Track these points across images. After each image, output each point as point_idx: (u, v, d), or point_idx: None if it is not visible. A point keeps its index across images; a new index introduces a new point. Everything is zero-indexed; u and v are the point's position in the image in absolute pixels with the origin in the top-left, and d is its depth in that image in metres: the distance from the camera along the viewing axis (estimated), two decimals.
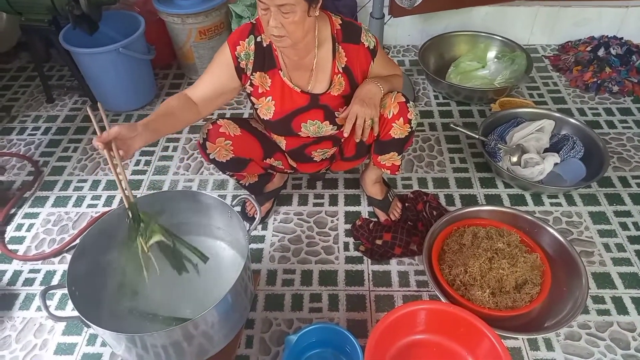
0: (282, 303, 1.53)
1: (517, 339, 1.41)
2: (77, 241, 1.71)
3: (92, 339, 1.46)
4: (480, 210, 1.68)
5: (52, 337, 1.47)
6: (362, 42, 1.39)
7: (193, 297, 1.37)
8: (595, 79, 2.34)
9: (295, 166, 1.66)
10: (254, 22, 1.35)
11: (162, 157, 2.08)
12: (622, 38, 2.54)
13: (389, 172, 1.57)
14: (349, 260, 1.65)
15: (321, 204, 1.84)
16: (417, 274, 1.60)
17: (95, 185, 1.96)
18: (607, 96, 2.32)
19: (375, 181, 1.73)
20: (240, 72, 1.37)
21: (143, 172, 2.01)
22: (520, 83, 2.29)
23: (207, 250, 1.36)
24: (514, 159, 1.85)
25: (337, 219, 1.78)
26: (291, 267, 1.63)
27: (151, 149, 2.12)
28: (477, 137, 1.92)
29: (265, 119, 1.45)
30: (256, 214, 1.39)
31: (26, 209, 1.87)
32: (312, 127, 1.46)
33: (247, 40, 1.34)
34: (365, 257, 1.65)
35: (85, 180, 1.98)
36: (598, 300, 1.51)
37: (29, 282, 1.62)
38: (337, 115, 1.44)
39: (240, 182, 1.65)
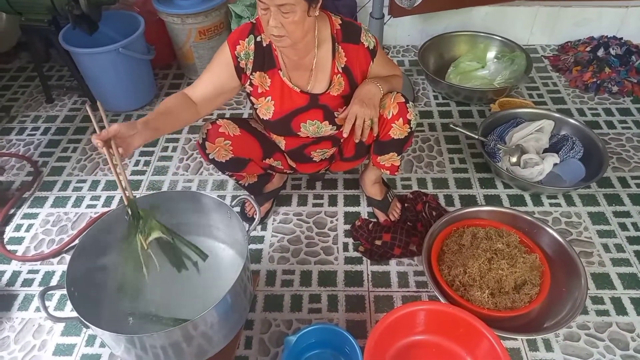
0: (282, 304, 1.53)
1: (516, 339, 1.41)
2: (76, 242, 1.71)
3: (91, 340, 1.46)
4: (480, 210, 1.68)
5: (51, 338, 1.47)
6: (362, 42, 1.39)
7: (192, 297, 1.37)
8: (594, 79, 2.34)
9: (294, 166, 1.66)
10: (254, 21, 1.35)
11: (161, 158, 2.08)
12: (621, 38, 2.54)
13: (388, 172, 1.57)
14: (349, 260, 1.65)
15: (320, 205, 1.84)
16: (417, 275, 1.60)
17: (94, 185, 1.96)
18: (607, 96, 2.32)
19: (374, 181, 1.73)
20: (239, 71, 1.37)
21: (142, 173, 2.01)
22: (520, 83, 2.29)
23: (206, 250, 1.37)
24: (514, 159, 1.85)
25: (337, 220, 1.78)
26: (290, 268, 1.63)
27: (150, 149, 2.12)
28: (476, 137, 1.92)
29: (264, 118, 1.45)
30: (255, 214, 1.39)
31: (25, 209, 1.87)
32: (312, 127, 1.46)
33: (246, 39, 1.34)
34: (364, 258, 1.65)
35: (84, 181, 1.98)
36: (597, 300, 1.51)
37: (27, 282, 1.62)
38: (336, 115, 1.44)
39: (240, 182, 1.65)
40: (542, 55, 2.62)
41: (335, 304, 1.52)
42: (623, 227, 1.72)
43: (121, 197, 1.88)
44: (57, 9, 2.05)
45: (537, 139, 1.91)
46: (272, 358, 1.40)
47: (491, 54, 2.44)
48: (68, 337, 1.47)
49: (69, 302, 1.41)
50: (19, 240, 1.75)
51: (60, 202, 1.89)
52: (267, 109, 1.43)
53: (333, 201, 1.85)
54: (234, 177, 1.61)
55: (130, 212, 1.19)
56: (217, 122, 1.44)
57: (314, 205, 1.84)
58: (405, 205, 1.79)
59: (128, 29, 2.17)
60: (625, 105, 2.27)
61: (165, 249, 1.27)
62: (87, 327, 1.10)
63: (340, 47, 1.37)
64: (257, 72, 1.38)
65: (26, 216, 1.84)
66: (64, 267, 1.65)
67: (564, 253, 1.53)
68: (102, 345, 1.44)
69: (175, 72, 2.62)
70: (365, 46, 1.39)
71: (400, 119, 1.42)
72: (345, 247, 1.69)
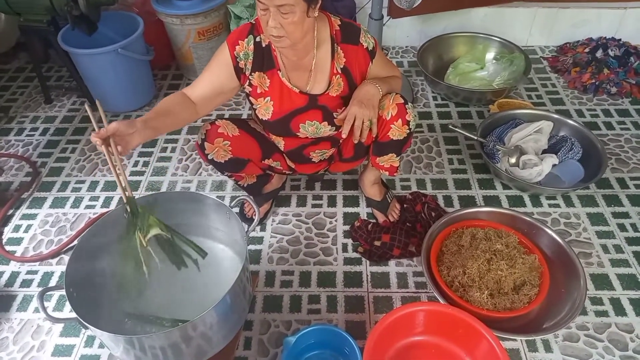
0: (281, 304, 1.53)
1: (515, 340, 1.41)
2: (75, 242, 1.70)
3: (90, 341, 1.46)
4: (479, 211, 1.68)
5: (50, 339, 1.47)
6: (361, 43, 1.39)
7: (191, 298, 1.37)
8: (593, 81, 2.34)
9: (293, 167, 1.66)
10: (254, 22, 1.35)
11: (160, 158, 2.08)
12: (620, 39, 2.55)
13: (387, 173, 1.57)
14: (348, 261, 1.65)
15: (320, 205, 1.84)
16: (416, 275, 1.60)
17: (93, 186, 1.96)
18: (605, 97, 2.33)
19: (373, 182, 1.73)
20: (239, 72, 1.37)
21: (141, 173, 2.01)
22: (519, 84, 2.29)
23: (205, 251, 1.36)
24: (513, 160, 1.85)
25: (336, 220, 1.78)
26: (290, 269, 1.63)
27: (149, 149, 2.12)
28: (475, 138, 1.92)
29: (263, 119, 1.45)
30: (255, 215, 1.39)
31: (24, 210, 1.87)
32: (311, 127, 1.46)
33: (246, 40, 1.34)
34: (363, 259, 1.65)
35: (83, 182, 1.98)
36: (596, 301, 1.51)
37: (26, 283, 1.62)
38: (335, 116, 1.44)
39: (239, 183, 1.65)
40: (540, 57, 2.62)
41: (335, 305, 1.52)
42: (622, 227, 1.72)
43: (120, 197, 1.88)
44: (56, 9, 2.05)
45: (536, 140, 1.91)
46: (272, 359, 1.39)
47: (490, 55, 2.45)
48: (67, 338, 1.47)
49: (67, 303, 1.40)
50: (17, 241, 1.75)
51: (59, 203, 1.89)
52: (266, 110, 1.43)
53: (332, 202, 1.85)
54: (233, 178, 1.61)
55: (129, 210, 1.19)
56: (216, 122, 1.44)
57: (313, 206, 1.84)
58: (405, 206, 1.80)
59: (127, 30, 2.17)
60: (623, 106, 2.27)
61: (165, 247, 1.27)
62: (86, 327, 1.10)
63: (339, 47, 1.37)
64: (256, 73, 1.38)
65: (25, 217, 1.84)
66: (63, 268, 1.63)
67: (563, 254, 1.54)
68: (101, 346, 1.44)
69: (174, 72, 2.62)
70: (365, 47, 1.39)
71: (399, 120, 1.42)
72: (345, 248, 1.69)
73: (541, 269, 1.49)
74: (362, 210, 1.82)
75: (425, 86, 2.44)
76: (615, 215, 1.77)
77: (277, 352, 1.41)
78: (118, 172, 1.13)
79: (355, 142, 1.43)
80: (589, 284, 1.54)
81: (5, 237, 1.77)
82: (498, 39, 2.46)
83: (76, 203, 1.89)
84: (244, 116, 2.29)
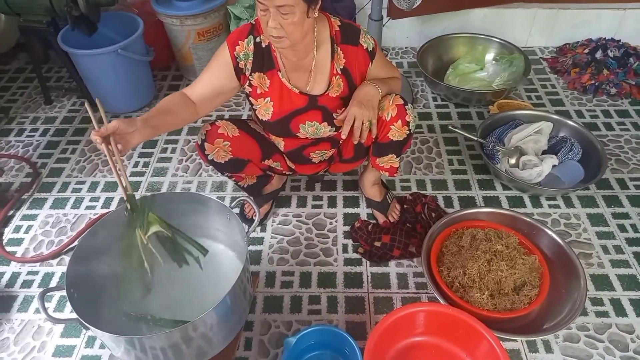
0: (281, 305, 1.53)
1: (515, 340, 1.41)
2: (76, 243, 1.70)
3: (90, 341, 1.46)
4: (479, 212, 1.68)
5: (51, 340, 1.47)
6: (361, 44, 1.39)
7: (192, 299, 1.36)
8: (593, 81, 2.34)
9: (293, 168, 1.66)
10: (254, 22, 1.36)
11: (160, 159, 2.08)
12: (619, 40, 2.55)
13: (387, 174, 1.58)
14: (348, 262, 1.65)
15: (320, 206, 1.84)
16: (416, 276, 1.60)
17: (93, 186, 1.96)
18: (605, 98, 2.33)
19: (373, 183, 1.73)
20: (239, 72, 1.37)
21: (142, 174, 2.01)
22: (519, 85, 2.29)
23: None
24: (512, 160, 1.85)
25: (336, 221, 1.78)
26: (290, 269, 1.63)
27: (150, 150, 2.12)
28: (475, 139, 1.93)
29: (263, 119, 1.45)
30: (255, 215, 1.39)
31: (24, 210, 1.87)
32: (311, 128, 1.46)
33: (246, 40, 1.34)
34: (364, 259, 1.65)
35: (83, 182, 1.98)
36: (596, 302, 1.51)
37: (27, 284, 1.62)
38: (335, 116, 1.45)
39: (239, 183, 1.65)
40: (540, 57, 2.63)
41: (335, 305, 1.52)
42: (622, 228, 1.72)
43: (120, 198, 1.88)
44: (56, 10, 2.05)
45: (536, 141, 1.91)
46: (272, 359, 1.39)
47: (490, 56, 2.45)
48: (68, 339, 1.47)
49: (68, 304, 1.41)
50: (18, 242, 1.75)
51: (59, 204, 1.89)
52: (266, 110, 1.43)
53: (332, 202, 1.85)
54: (233, 179, 1.61)
55: (129, 207, 1.19)
56: (216, 123, 1.44)
57: (314, 206, 1.84)
58: (405, 206, 1.80)
59: (127, 30, 2.17)
60: (623, 107, 2.27)
61: (166, 244, 1.27)
62: (87, 328, 1.10)
63: (339, 48, 1.38)
64: (256, 73, 1.38)
65: (25, 217, 1.84)
66: (64, 269, 1.65)
67: (563, 254, 1.54)
68: (102, 346, 1.44)
69: (174, 73, 2.62)
70: (364, 48, 1.39)
71: (399, 121, 1.42)
72: (345, 249, 1.69)
73: (541, 269, 1.49)
74: (363, 211, 1.82)
75: (425, 87, 2.44)
76: (616, 215, 1.77)
77: (278, 352, 1.41)
78: (119, 171, 1.13)
79: (355, 142, 1.43)
80: (589, 285, 1.54)
81: (5, 238, 1.77)
82: (498, 40, 2.46)
83: (76, 204, 1.89)
84: (244, 117, 2.29)
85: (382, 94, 1.41)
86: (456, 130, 1.95)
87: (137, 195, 1.84)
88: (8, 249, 1.72)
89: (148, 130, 1.18)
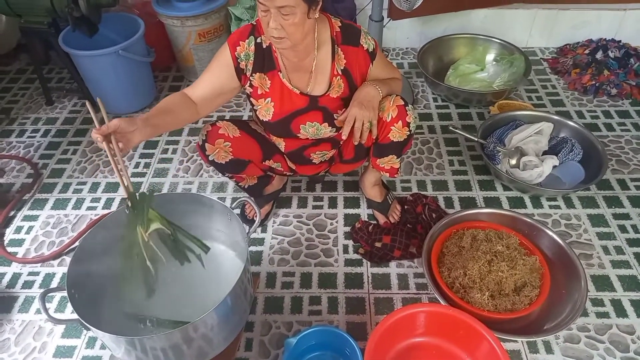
0: (282, 306, 1.53)
1: (516, 341, 1.41)
2: (77, 243, 1.71)
3: (91, 342, 1.46)
4: (479, 212, 1.68)
5: (52, 340, 1.47)
6: (362, 45, 1.39)
7: (192, 299, 1.36)
8: (593, 82, 2.34)
9: (294, 168, 1.67)
10: (254, 23, 1.36)
11: (161, 160, 2.08)
12: (620, 41, 2.55)
13: (387, 175, 1.58)
14: (349, 262, 1.65)
15: (320, 207, 1.84)
16: (417, 277, 1.60)
17: (94, 187, 1.96)
18: (606, 99, 2.33)
19: (374, 184, 1.73)
20: (239, 72, 1.37)
21: (142, 175, 2.01)
22: (519, 86, 2.29)
23: None
24: (513, 161, 1.85)
25: (337, 222, 1.78)
26: (290, 270, 1.63)
27: (150, 151, 2.12)
28: (476, 139, 1.93)
29: (264, 120, 1.45)
30: (255, 216, 1.39)
31: (25, 211, 1.87)
32: (311, 128, 1.46)
33: (247, 41, 1.35)
34: (364, 260, 1.65)
35: (84, 183, 1.98)
36: (597, 302, 1.51)
37: (28, 284, 1.62)
38: (336, 117, 1.45)
39: (240, 184, 1.65)
40: (540, 58, 2.63)
41: (336, 306, 1.52)
42: (622, 229, 1.72)
43: (122, 198, 1.88)
44: (57, 11, 2.05)
45: (537, 141, 1.91)
46: None
47: (490, 57, 2.45)
48: (68, 339, 1.47)
49: (69, 304, 1.41)
50: (19, 242, 1.75)
51: (60, 204, 1.89)
52: (266, 111, 1.43)
53: (333, 203, 1.85)
54: (234, 179, 1.61)
55: (130, 205, 1.19)
56: (217, 123, 1.44)
57: (314, 207, 1.84)
58: (405, 207, 1.80)
59: (128, 32, 2.18)
60: (624, 107, 2.27)
61: (167, 242, 1.27)
62: (88, 329, 1.10)
63: (339, 49, 1.38)
64: (257, 74, 1.38)
65: (26, 218, 1.84)
66: (65, 269, 1.65)
67: (564, 255, 1.54)
68: (103, 347, 1.44)
69: (175, 74, 2.62)
70: (365, 48, 1.40)
71: (400, 122, 1.42)
72: (345, 249, 1.69)
73: (542, 270, 1.49)
74: (363, 212, 1.82)
75: (426, 88, 2.45)
76: (616, 216, 1.77)
77: (278, 353, 1.41)
78: (120, 170, 1.13)
79: (356, 143, 1.43)
80: (589, 285, 1.54)
81: (6, 239, 1.77)
82: (498, 41, 2.46)
83: (77, 204, 1.89)
84: (245, 117, 2.29)
85: (383, 94, 1.41)
86: (457, 130, 1.95)
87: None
88: (9, 249, 1.73)
89: (148, 130, 1.18)
